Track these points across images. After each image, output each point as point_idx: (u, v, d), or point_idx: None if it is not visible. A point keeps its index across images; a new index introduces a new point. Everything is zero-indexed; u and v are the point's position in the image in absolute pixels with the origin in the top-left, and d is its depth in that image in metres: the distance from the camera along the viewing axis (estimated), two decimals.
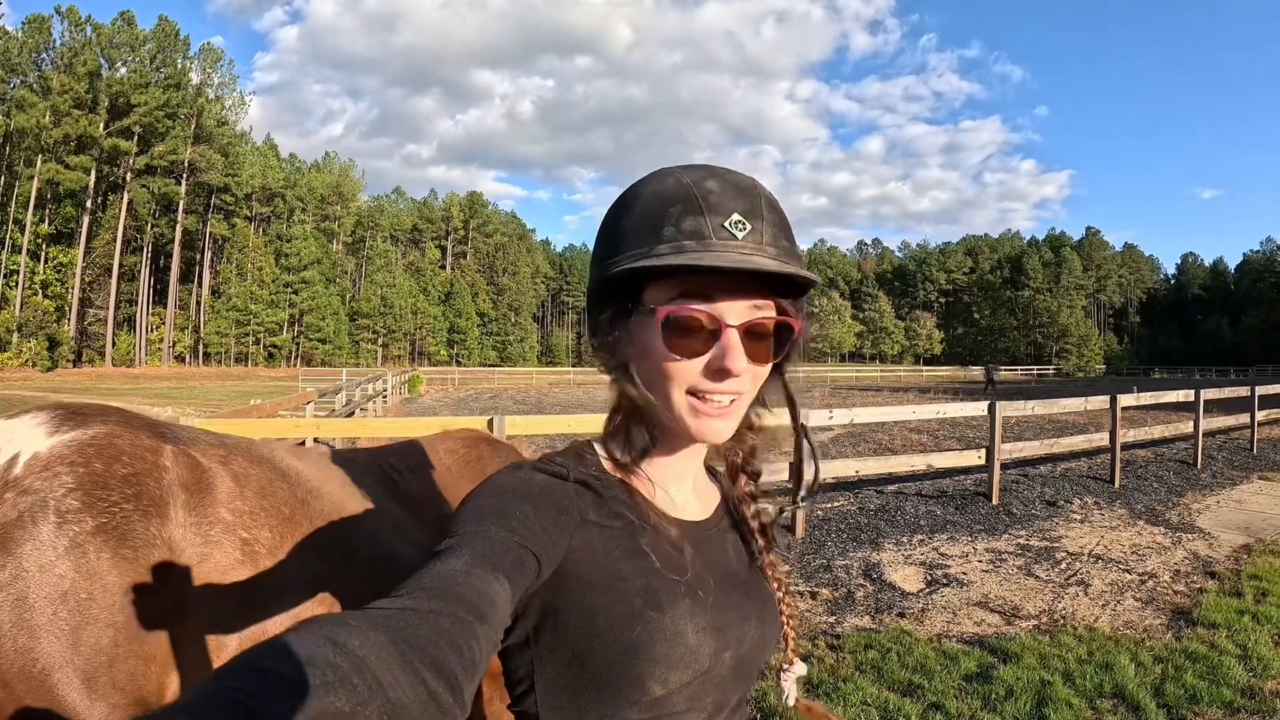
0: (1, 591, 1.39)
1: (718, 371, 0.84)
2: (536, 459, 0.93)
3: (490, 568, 0.70)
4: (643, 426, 0.93)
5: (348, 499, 1.95)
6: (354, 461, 2.10)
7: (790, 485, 1.11)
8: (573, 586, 0.83)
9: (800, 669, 1.07)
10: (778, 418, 1.02)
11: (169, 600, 1.56)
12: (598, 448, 0.98)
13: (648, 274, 0.85)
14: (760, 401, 0.98)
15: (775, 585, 1.02)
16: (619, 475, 0.94)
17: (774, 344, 0.89)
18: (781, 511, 1.06)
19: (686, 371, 0.85)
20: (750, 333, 0.86)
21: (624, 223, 0.88)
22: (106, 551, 1.49)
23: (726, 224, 0.83)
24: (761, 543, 1.02)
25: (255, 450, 1.93)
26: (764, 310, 0.87)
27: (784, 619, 1.02)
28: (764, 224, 0.85)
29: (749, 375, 0.87)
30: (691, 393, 0.86)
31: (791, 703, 1.06)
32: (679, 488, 0.98)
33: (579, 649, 0.83)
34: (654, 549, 0.88)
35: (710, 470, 1.07)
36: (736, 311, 0.85)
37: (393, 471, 2.11)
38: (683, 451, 0.96)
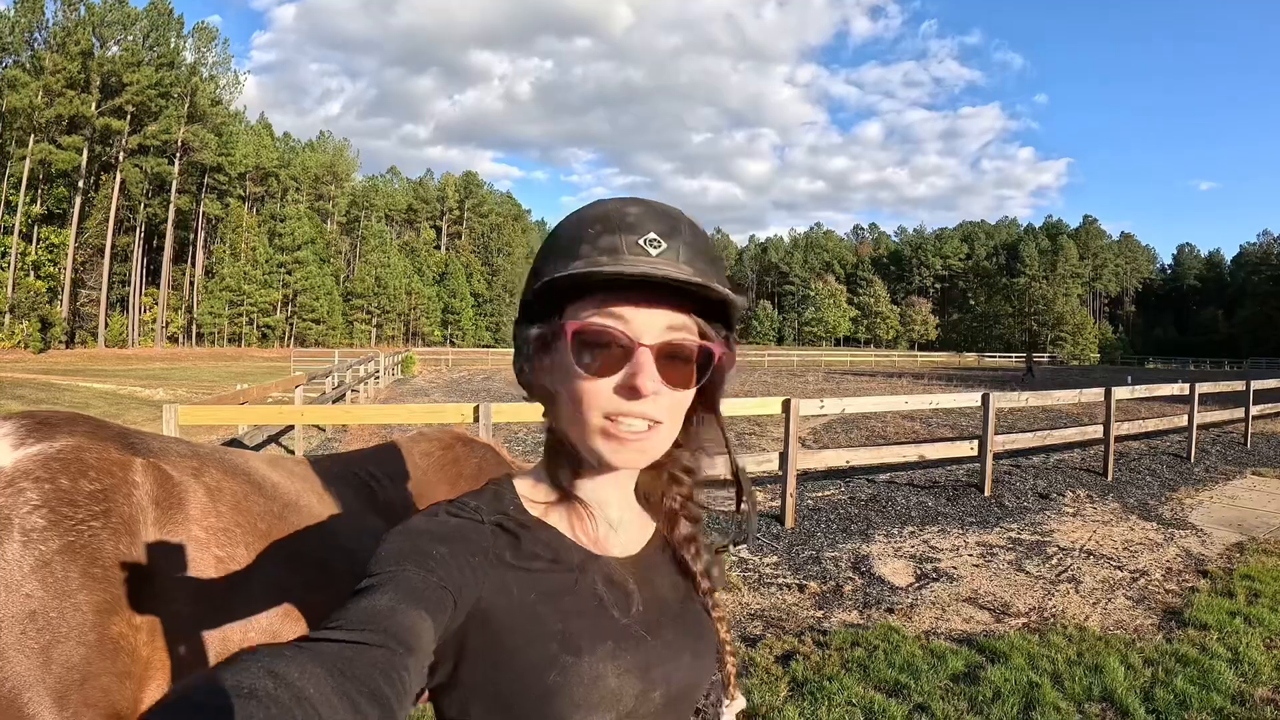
0: None
1: (628, 390, 0.82)
2: (451, 500, 0.89)
3: (414, 604, 0.69)
4: (567, 457, 0.91)
5: (325, 511, 1.93)
6: (330, 471, 2.09)
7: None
8: (489, 630, 0.81)
9: (740, 703, 1.06)
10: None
11: (141, 619, 1.54)
12: (518, 484, 0.95)
13: (563, 292, 0.84)
14: (697, 443, 0.97)
15: (714, 617, 0.99)
16: (540, 513, 0.92)
17: (696, 370, 0.86)
18: (718, 552, 1.02)
19: (598, 392, 0.83)
20: (667, 355, 0.83)
21: (548, 247, 0.88)
22: (75, 570, 1.46)
23: (641, 241, 0.82)
24: (706, 585, 0.99)
25: (230, 461, 1.90)
26: (682, 333, 0.85)
27: (724, 652, 1.01)
28: (681, 244, 0.84)
29: (666, 400, 0.84)
30: (607, 416, 0.83)
31: None
32: (608, 520, 0.94)
33: (500, 692, 0.81)
34: (574, 590, 0.86)
35: (643, 498, 1.02)
36: (652, 331, 0.83)
37: (370, 479, 2.11)
38: (607, 482, 0.93)
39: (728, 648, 1.02)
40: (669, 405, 0.85)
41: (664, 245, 0.82)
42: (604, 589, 0.88)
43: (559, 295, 0.85)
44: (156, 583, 1.57)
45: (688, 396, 0.87)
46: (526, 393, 0.93)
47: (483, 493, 0.93)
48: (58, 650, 1.41)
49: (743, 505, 1.02)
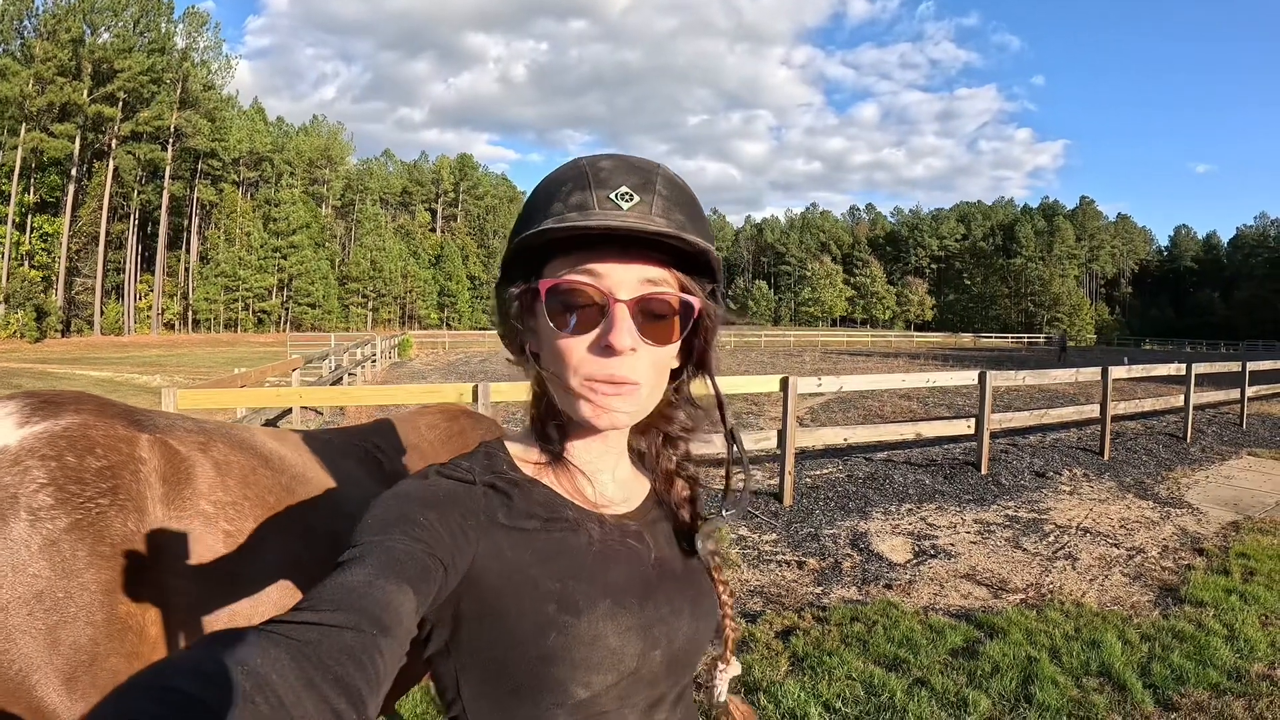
0: None
1: (605, 348, 0.80)
2: (442, 463, 0.88)
3: (394, 577, 0.67)
4: (554, 418, 0.90)
5: (333, 483, 1.91)
6: (336, 443, 2.07)
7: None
8: (484, 593, 0.80)
9: (735, 668, 1.05)
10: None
11: (150, 596, 1.51)
12: (510, 446, 0.94)
13: (540, 251, 0.83)
14: (689, 399, 0.97)
15: (715, 578, 0.99)
16: (533, 473, 0.91)
17: (677, 325, 0.84)
18: (708, 521, 0.99)
19: (574, 350, 0.82)
20: (646, 310, 0.82)
21: (526, 206, 0.87)
22: (83, 549, 1.44)
23: (612, 195, 0.80)
24: (708, 546, 0.97)
25: (236, 435, 1.87)
26: (660, 286, 0.83)
27: (723, 614, 0.99)
28: (656, 197, 0.81)
29: (647, 357, 0.83)
30: (585, 376, 0.82)
31: (721, 700, 1.03)
32: (600, 480, 0.93)
33: (496, 656, 0.81)
34: (570, 549, 0.85)
35: (637, 456, 1.01)
36: (627, 286, 0.81)
37: (376, 452, 2.09)
38: (597, 441, 0.92)
39: (728, 611, 1.00)
40: (650, 363, 0.83)
41: (636, 198, 0.80)
42: (600, 547, 0.87)
43: (537, 255, 0.84)
44: (165, 560, 1.55)
45: (670, 352, 0.86)
46: (511, 354, 0.92)
47: (475, 454, 0.92)
48: (65, 631, 1.39)
49: (735, 470, 0.98)
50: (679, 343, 0.86)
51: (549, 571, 0.82)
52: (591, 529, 0.88)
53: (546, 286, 0.81)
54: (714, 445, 1.06)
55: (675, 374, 0.93)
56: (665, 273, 0.83)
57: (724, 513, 0.96)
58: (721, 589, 0.99)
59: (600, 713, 0.83)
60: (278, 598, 1.66)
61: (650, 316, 0.82)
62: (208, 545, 1.61)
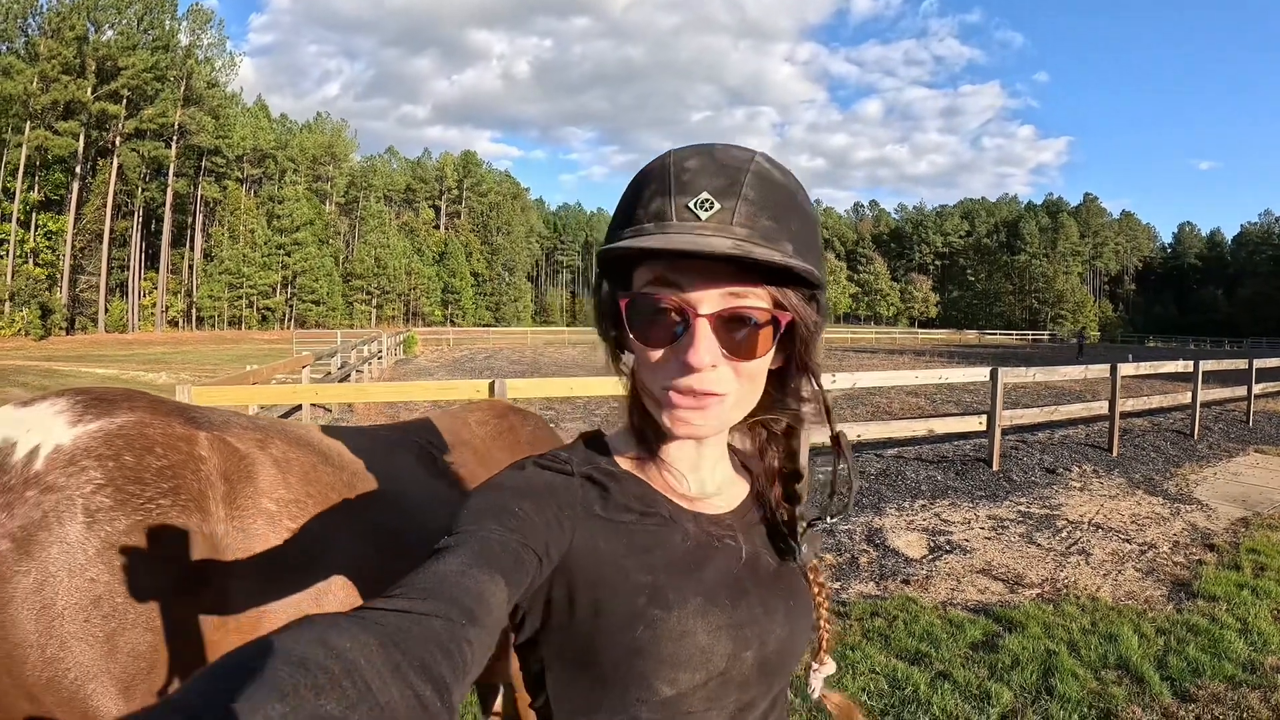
0: (26, 600, 1.30)
1: (682, 365, 0.79)
2: (541, 454, 0.89)
3: (487, 567, 0.68)
4: (641, 416, 0.89)
5: (392, 480, 1.86)
6: (390, 439, 2.02)
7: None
8: (576, 584, 0.81)
9: (830, 668, 1.03)
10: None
11: (212, 599, 1.47)
12: (609, 438, 0.95)
13: (625, 257, 0.81)
14: (795, 396, 0.92)
15: (811, 581, 0.97)
16: (631, 468, 0.91)
17: (767, 337, 0.81)
18: (812, 524, 0.96)
19: (659, 362, 0.81)
20: (728, 323, 0.79)
21: (621, 201, 0.84)
22: (144, 552, 1.39)
23: (691, 204, 0.77)
24: (804, 549, 0.95)
25: (292, 431, 1.82)
26: (746, 299, 0.79)
27: (819, 617, 0.98)
28: (740, 201, 0.77)
29: (729, 371, 0.80)
30: (666, 387, 0.81)
31: (816, 697, 1.03)
32: (698, 478, 0.92)
33: (585, 647, 0.81)
34: (664, 543, 0.85)
35: (739, 456, 1.01)
36: (710, 299, 0.79)
37: (430, 448, 2.04)
38: (691, 443, 0.90)
39: (824, 614, 0.99)
40: (734, 376, 0.81)
41: (717, 206, 0.77)
42: (694, 544, 0.86)
43: (627, 257, 0.81)
44: (228, 561, 1.50)
45: (760, 365, 0.83)
46: (606, 355, 0.90)
47: (574, 446, 0.93)
48: (124, 638, 1.35)
49: (840, 471, 0.94)
50: (770, 353, 0.83)
51: (642, 564, 0.82)
52: (686, 525, 0.88)
53: (625, 302, 0.80)
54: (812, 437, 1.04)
55: (780, 373, 0.91)
56: (753, 285, 0.80)
57: (828, 518, 0.94)
58: (818, 591, 0.98)
59: (686, 712, 0.82)
60: (344, 597, 1.61)
61: (735, 329, 0.79)
62: (271, 544, 1.57)
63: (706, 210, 0.77)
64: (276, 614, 1.54)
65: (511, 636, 0.86)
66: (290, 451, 1.72)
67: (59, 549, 1.33)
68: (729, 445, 0.99)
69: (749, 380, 0.83)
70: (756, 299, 0.80)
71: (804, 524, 0.95)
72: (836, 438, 0.95)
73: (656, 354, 0.81)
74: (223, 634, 1.47)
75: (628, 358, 0.86)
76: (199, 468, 1.54)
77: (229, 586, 1.49)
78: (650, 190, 0.80)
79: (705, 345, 0.78)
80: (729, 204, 0.77)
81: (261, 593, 1.53)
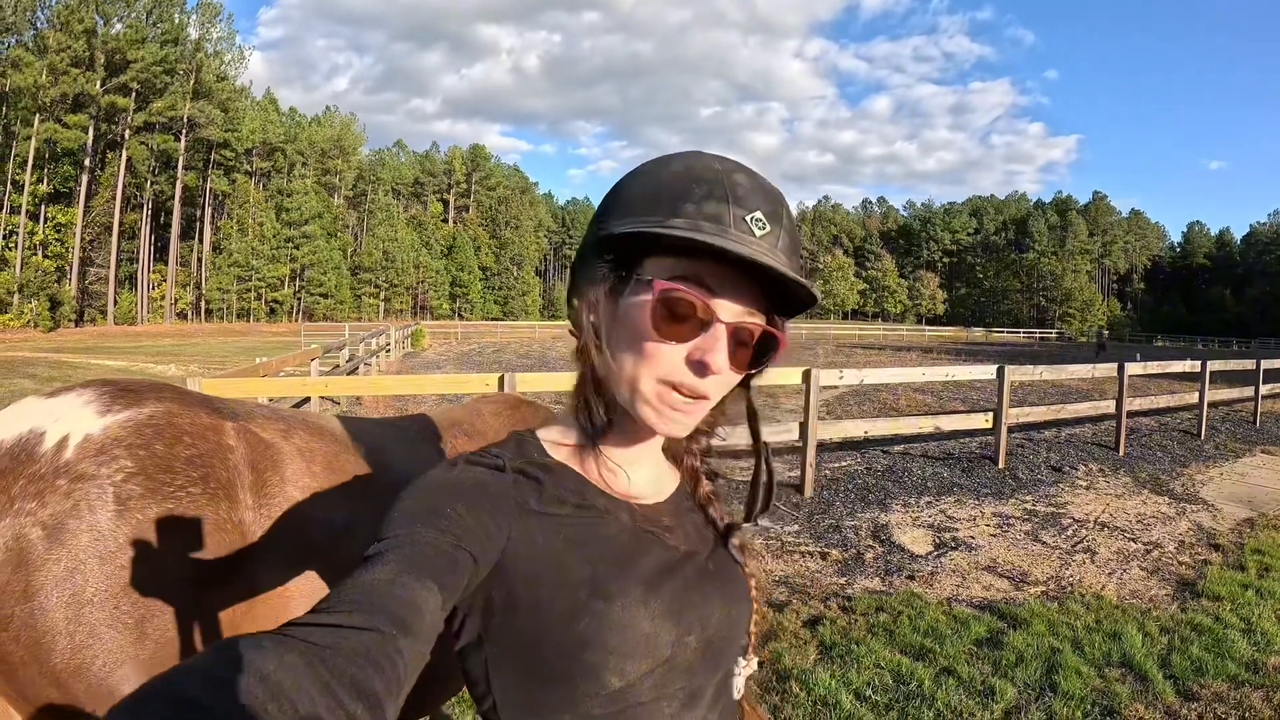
0: (56, 587, 1.31)
1: (698, 364, 0.80)
2: (472, 452, 0.89)
3: (418, 573, 0.67)
4: (601, 404, 0.88)
5: (413, 469, 1.83)
6: (410, 429, 2.04)
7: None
8: (515, 582, 0.80)
9: (752, 666, 1.00)
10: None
11: (242, 586, 1.49)
12: (541, 434, 0.95)
13: (655, 244, 0.80)
14: (719, 408, 0.93)
15: (745, 569, 0.98)
16: (565, 459, 0.91)
17: (752, 353, 0.85)
18: (734, 528, 0.99)
19: (664, 357, 0.81)
20: (736, 336, 0.82)
21: (641, 189, 0.83)
22: (175, 539, 1.41)
23: (748, 218, 0.79)
24: (735, 540, 0.98)
25: (314, 421, 1.84)
26: (756, 316, 0.83)
27: (753, 610, 0.98)
28: (783, 231, 0.81)
29: (724, 380, 0.84)
30: (663, 381, 0.81)
31: (737, 697, 0.96)
32: (635, 471, 0.93)
33: (528, 644, 0.80)
34: (601, 534, 0.85)
35: (665, 451, 1.01)
36: (732, 311, 0.81)
37: (449, 437, 2.06)
38: (641, 436, 0.91)
39: (756, 606, 0.98)
40: (723, 384, 0.84)
41: (768, 228, 0.79)
42: (630, 534, 0.87)
43: (643, 242, 0.81)
44: (256, 549, 1.52)
45: (739, 376, 0.87)
46: (575, 329, 0.89)
47: (505, 442, 0.93)
48: (153, 625, 1.36)
49: (761, 474, 0.99)
50: (751, 371, 0.87)
51: (580, 557, 0.82)
52: (621, 516, 0.88)
53: (661, 289, 0.79)
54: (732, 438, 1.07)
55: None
56: (760, 303, 0.84)
57: (755, 523, 0.97)
58: (750, 583, 0.98)
59: (636, 703, 0.81)
60: None
61: (738, 343, 0.82)
62: (298, 532, 1.58)
63: (760, 229, 0.79)
64: (301, 600, 1.56)
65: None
66: (313, 441, 1.74)
67: (90, 536, 1.34)
68: None
69: (723, 390, 0.86)
70: (759, 318, 0.84)
71: (736, 529, 0.99)
72: (760, 449, 0.98)
73: (667, 349, 0.80)
74: (249, 620, 1.49)
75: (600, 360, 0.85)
76: (227, 457, 1.56)
77: (257, 573, 1.51)
78: (702, 190, 0.80)
79: (724, 351, 0.80)
80: (776, 228, 0.80)
81: (288, 579, 1.55)
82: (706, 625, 0.87)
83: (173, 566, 1.41)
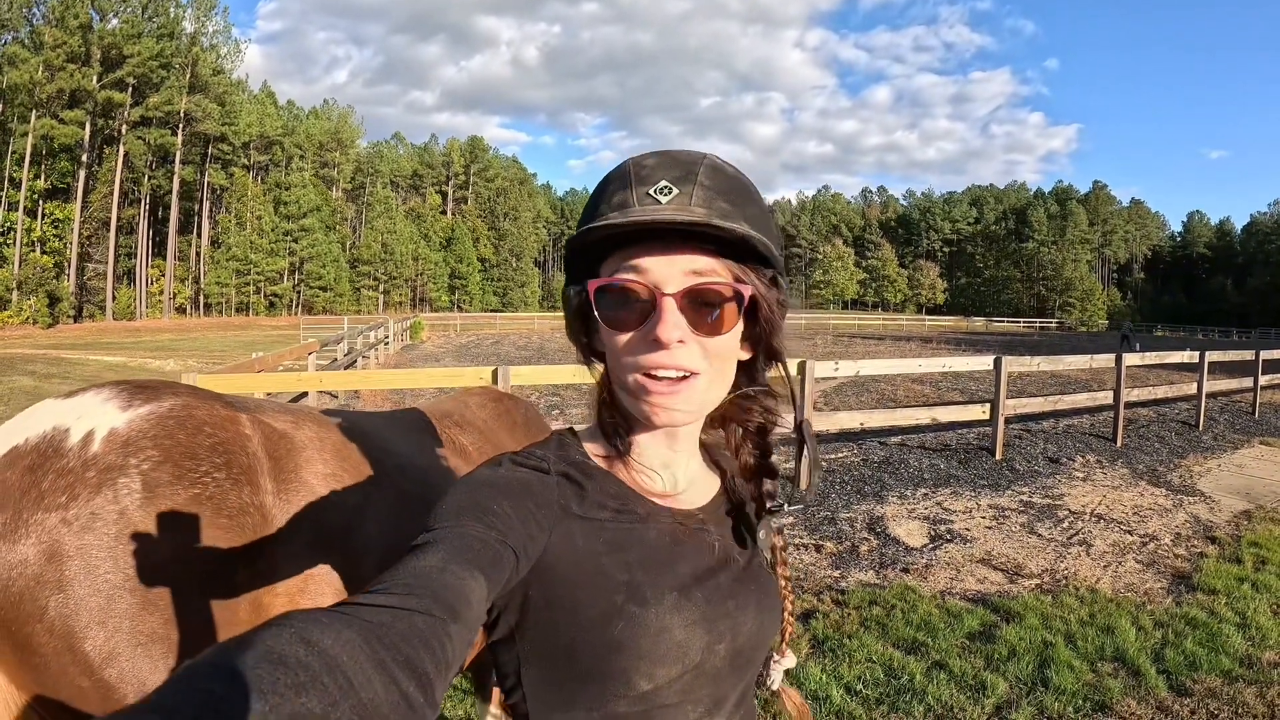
0: (89, 575, 1.36)
1: (653, 342, 0.81)
2: (516, 451, 0.91)
3: (467, 564, 0.68)
4: (621, 414, 0.91)
5: (415, 456, 2.00)
6: (405, 420, 2.17)
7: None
8: (554, 582, 0.82)
9: (790, 661, 1.04)
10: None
11: (265, 567, 1.56)
12: (583, 435, 0.96)
13: (590, 251, 0.85)
14: (766, 389, 0.95)
15: (779, 575, 0.99)
16: (605, 464, 0.92)
17: (732, 313, 0.84)
18: (771, 511, 0.98)
19: (628, 347, 0.83)
20: (695, 301, 0.82)
21: (585, 208, 0.87)
22: (203, 522, 1.49)
23: (651, 191, 0.81)
24: (775, 542, 0.99)
25: (319, 415, 1.94)
26: (707, 276, 0.82)
27: (785, 610, 1.00)
28: (696, 187, 0.81)
29: (697, 347, 0.82)
30: (642, 372, 0.83)
31: (775, 689, 1.03)
32: (670, 474, 0.94)
33: (562, 644, 0.82)
34: (640, 540, 0.87)
35: (709, 453, 1.03)
36: (674, 279, 0.81)
37: (443, 428, 2.21)
38: (662, 437, 0.92)
39: (788, 605, 1.00)
40: (704, 353, 0.83)
41: (675, 191, 0.80)
42: (668, 540, 0.88)
43: (592, 256, 0.85)
44: (277, 531, 1.61)
45: (727, 342, 0.85)
46: (578, 353, 0.93)
47: (548, 443, 0.94)
48: (183, 608, 1.42)
49: (803, 461, 0.99)
50: (737, 332, 0.86)
51: (618, 562, 0.83)
52: (660, 521, 0.89)
53: (594, 287, 0.83)
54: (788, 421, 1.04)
55: (749, 364, 0.93)
56: (715, 262, 0.82)
57: (788, 507, 0.96)
58: (783, 583, 1.00)
59: (661, 706, 0.83)
60: (380, 561, 1.69)
61: (700, 307, 0.82)
62: (314, 515, 1.67)
63: (665, 195, 0.80)
64: (320, 580, 1.65)
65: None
66: (321, 431, 1.84)
67: (121, 524, 1.39)
68: (700, 441, 1.00)
69: (719, 360, 0.85)
70: (718, 276, 0.83)
71: (768, 514, 0.97)
72: (800, 425, 0.98)
73: (625, 338, 0.83)
74: (271, 598, 1.56)
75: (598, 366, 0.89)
76: (246, 445, 1.64)
77: (278, 555, 1.59)
78: (612, 188, 0.83)
79: (672, 320, 0.81)
80: (686, 189, 0.81)
81: (307, 560, 1.63)
82: (738, 634, 0.88)
83: (201, 549, 1.47)
